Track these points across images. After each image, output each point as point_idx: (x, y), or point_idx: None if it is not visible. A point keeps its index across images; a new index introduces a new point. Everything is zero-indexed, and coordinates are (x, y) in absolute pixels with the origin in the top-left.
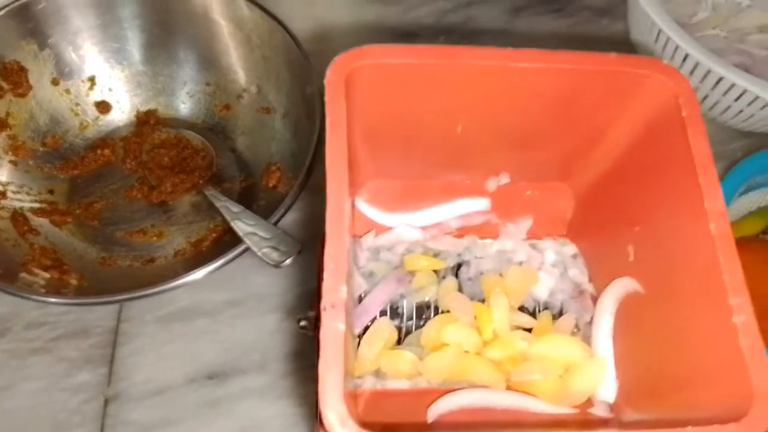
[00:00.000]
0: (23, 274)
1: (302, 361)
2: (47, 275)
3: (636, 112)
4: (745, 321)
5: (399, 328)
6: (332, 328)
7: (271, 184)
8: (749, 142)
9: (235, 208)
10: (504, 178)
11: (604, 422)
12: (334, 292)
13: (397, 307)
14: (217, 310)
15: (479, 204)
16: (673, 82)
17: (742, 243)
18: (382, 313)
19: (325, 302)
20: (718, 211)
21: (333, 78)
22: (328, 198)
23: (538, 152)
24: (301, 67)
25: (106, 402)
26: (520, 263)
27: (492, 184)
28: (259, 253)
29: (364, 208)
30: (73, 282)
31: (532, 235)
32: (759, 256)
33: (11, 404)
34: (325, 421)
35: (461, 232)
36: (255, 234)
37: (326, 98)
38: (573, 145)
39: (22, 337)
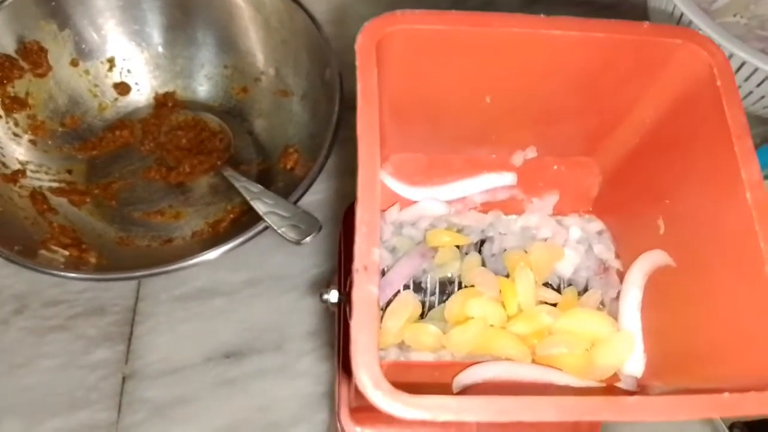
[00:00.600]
0: (43, 251)
1: (319, 341)
2: (66, 253)
3: (667, 83)
4: None
5: (422, 303)
6: (365, 290)
7: (288, 166)
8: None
9: (255, 188)
10: (531, 152)
11: (629, 395)
12: (366, 254)
13: (420, 282)
14: (234, 290)
15: (505, 179)
16: (707, 52)
17: None
18: (406, 287)
19: (357, 264)
20: (755, 181)
21: (364, 43)
22: (360, 165)
23: (565, 126)
24: (320, 50)
25: (124, 379)
26: (545, 239)
27: (518, 158)
28: (279, 231)
29: (389, 181)
30: (92, 260)
31: (558, 211)
32: None
33: (29, 381)
34: (358, 382)
35: (486, 208)
36: (274, 213)
37: (358, 64)
38: (600, 120)
39: (41, 314)
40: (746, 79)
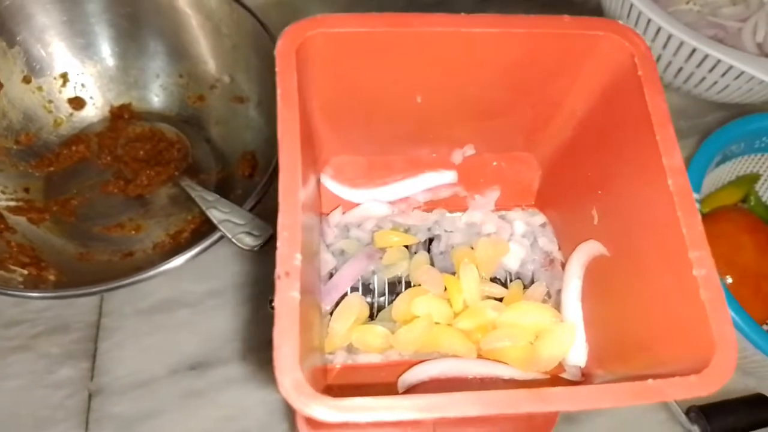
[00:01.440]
0: (0, 272)
1: None
2: (25, 272)
3: (592, 74)
4: (706, 274)
5: (371, 304)
6: (287, 297)
7: (246, 173)
8: (724, 114)
9: (210, 196)
10: (469, 150)
11: (572, 385)
12: (288, 260)
13: (369, 284)
14: (197, 301)
15: (446, 177)
16: (628, 42)
17: (721, 212)
18: (354, 289)
19: (279, 270)
20: (676, 167)
21: (284, 49)
22: (281, 170)
23: (500, 122)
24: (271, 54)
25: (90, 396)
26: (489, 235)
27: (457, 156)
28: (233, 239)
29: (330, 184)
30: (51, 278)
31: (501, 206)
32: (738, 225)
33: None
34: (281, 389)
35: (429, 206)
36: (229, 221)
37: (277, 69)
38: (533, 114)
39: (1, 335)
40: (698, 65)
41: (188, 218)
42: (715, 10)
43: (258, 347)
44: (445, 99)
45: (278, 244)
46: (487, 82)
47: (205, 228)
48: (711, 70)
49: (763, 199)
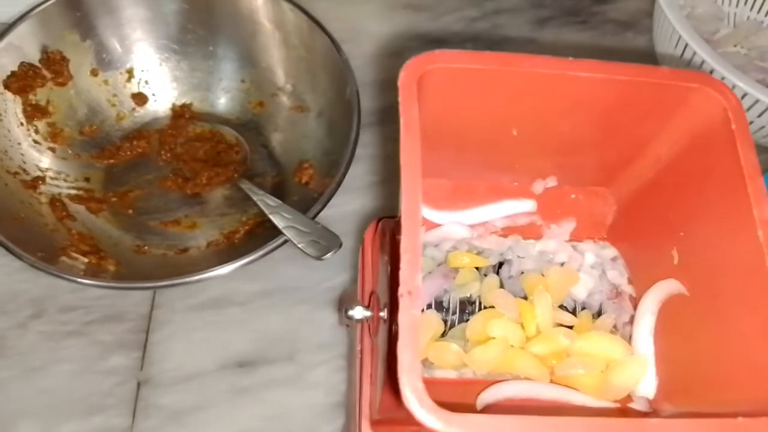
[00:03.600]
0: (63, 258)
1: (331, 353)
2: (86, 260)
3: (683, 123)
4: None
5: (444, 321)
6: (410, 314)
7: (303, 181)
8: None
9: (273, 202)
10: (551, 181)
11: (643, 415)
12: (411, 280)
13: (442, 302)
14: (247, 300)
15: (525, 206)
16: (722, 96)
17: None
18: (428, 306)
19: (402, 290)
20: (767, 219)
21: (406, 80)
22: (404, 194)
23: (583, 158)
24: (338, 69)
25: (139, 386)
26: (561, 264)
27: (539, 186)
28: (299, 246)
29: None
30: (111, 268)
31: (574, 237)
32: None
33: (46, 384)
34: (404, 399)
35: (506, 232)
36: (294, 228)
37: (400, 99)
38: (617, 153)
39: (57, 319)
40: (748, 110)
41: (243, 219)
42: (762, 54)
43: (306, 349)
44: (536, 133)
45: (402, 265)
46: (580, 121)
47: (259, 230)
48: (759, 116)
49: None
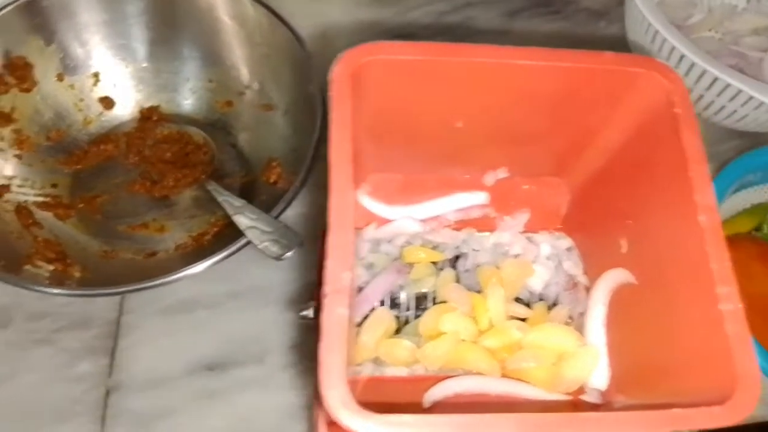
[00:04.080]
0: (27, 266)
1: (300, 354)
2: (51, 267)
3: (630, 109)
4: (732, 309)
5: (398, 318)
6: (335, 313)
7: (271, 180)
8: (742, 143)
9: (237, 202)
10: (502, 173)
11: (594, 407)
12: (337, 278)
13: (396, 298)
14: (216, 303)
15: (477, 198)
16: (666, 80)
17: (734, 240)
18: (382, 303)
19: (328, 288)
20: (708, 205)
21: (339, 74)
22: (332, 191)
23: (534, 148)
24: (302, 65)
25: (108, 392)
26: (516, 256)
27: (490, 178)
28: (260, 246)
29: (366, 201)
30: (76, 274)
31: (529, 228)
32: (751, 253)
33: (13, 393)
34: (325, 403)
35: (459, 225)
36: (256, 228)
37: (331, 94)
38: (568, 142)
39: (25, 328)
40: (719, 94)
41: (211, 221)
42: (736, 39)
43: (276, 351)
44: (484, 124)
45: (327, 262)
46: (527, 110)
47: (227, 231)
48: (731, 100)
49: None
